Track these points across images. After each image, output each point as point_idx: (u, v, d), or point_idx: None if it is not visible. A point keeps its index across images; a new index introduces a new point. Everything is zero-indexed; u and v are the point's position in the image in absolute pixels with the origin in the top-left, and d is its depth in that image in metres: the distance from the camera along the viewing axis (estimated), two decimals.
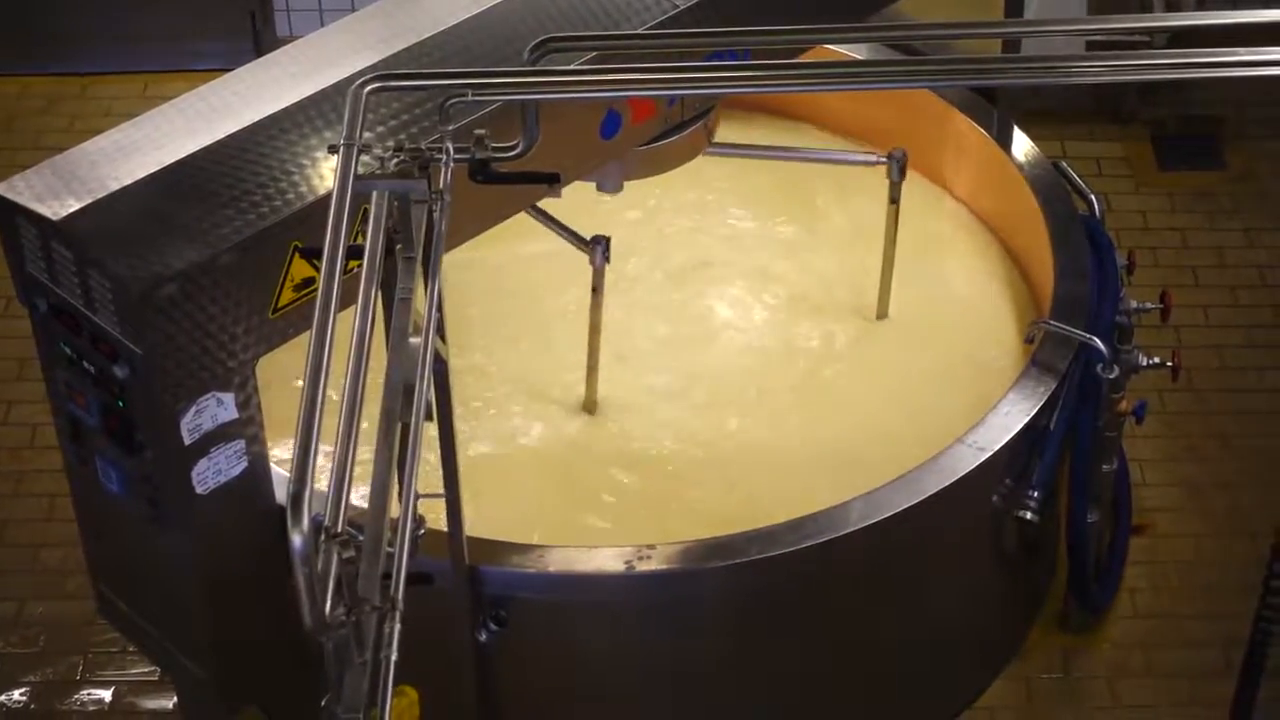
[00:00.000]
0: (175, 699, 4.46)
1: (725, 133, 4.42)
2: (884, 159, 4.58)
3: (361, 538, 2.56)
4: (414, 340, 2.85)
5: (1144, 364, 4.48)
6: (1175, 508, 5.00)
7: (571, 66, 3.55)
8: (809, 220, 5.09)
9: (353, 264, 2.78)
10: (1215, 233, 5.78)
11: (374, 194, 2.89)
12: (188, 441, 3.42)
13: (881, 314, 4.74)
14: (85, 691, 4.58)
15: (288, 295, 3.47)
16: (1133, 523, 4.82)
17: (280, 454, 3.75)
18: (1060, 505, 4.49)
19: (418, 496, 2.77)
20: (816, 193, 5.16)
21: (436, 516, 3.66)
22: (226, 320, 3.39)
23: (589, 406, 4.49)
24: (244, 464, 3.52)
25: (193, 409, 3.39)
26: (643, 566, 3.85)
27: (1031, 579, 4.67)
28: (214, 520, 3.54)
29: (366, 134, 2.99)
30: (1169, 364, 4.52)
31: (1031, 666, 4.61)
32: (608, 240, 4.22)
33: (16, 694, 4.58)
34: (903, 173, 4.55)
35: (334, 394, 2.53)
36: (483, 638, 3.90)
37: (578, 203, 4.27)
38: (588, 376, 4.44)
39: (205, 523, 3.53)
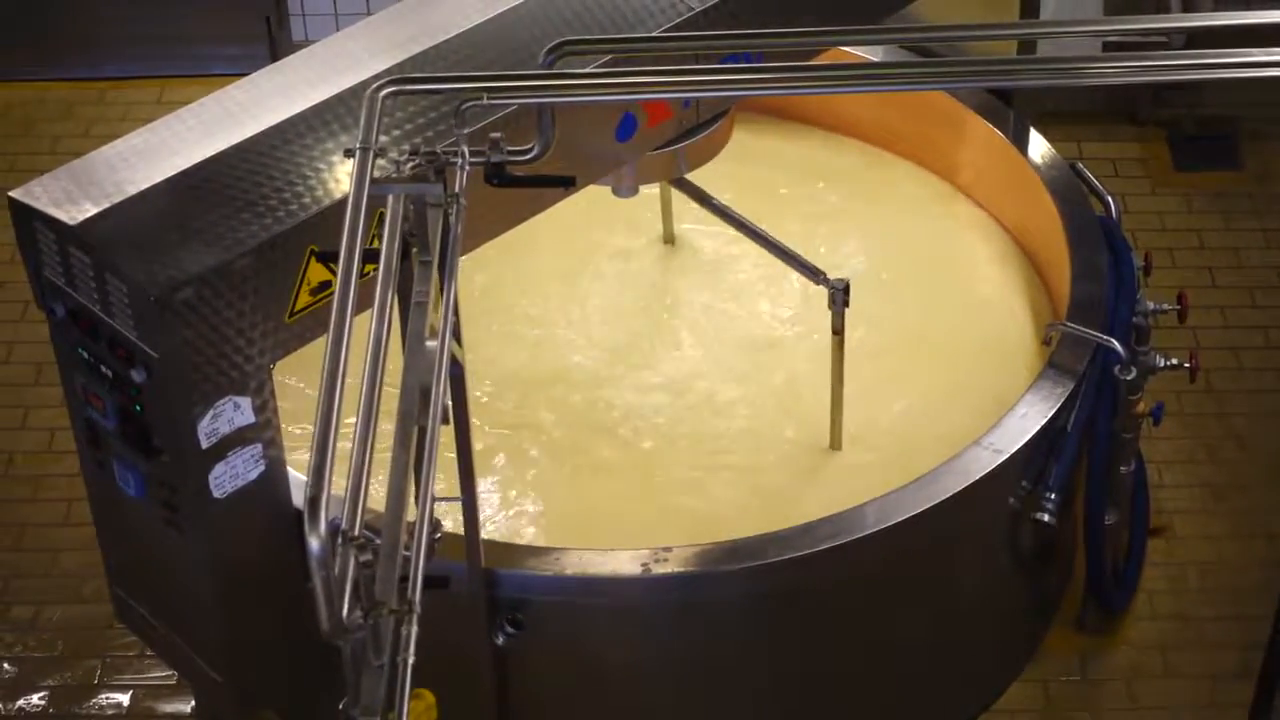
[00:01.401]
0: (192, 703, 4.47)
1: (738, 137, 4.42)
2: (827, 281, 4.25)
3: (378, 541, 2.56)
4: (430, 344, 2.85)
5: (1161, 365, 4.47)
6: (1193, 509, 4.99)
7: (587, 69, 3.55)
8: (824, 222, 5.09)
9: (369, 268, 2.78)
10: (1232, 233, 5.77)
11: (390, 197, 2.90)
12: (205, 445, 3.42)
13: (835, 446, 4.42)
14: (103, 695, 4.59)
15: (304, 299, 3.48)
16: (1150, 524, 4.81)
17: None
18: (1077, 507, 4.48)
19: (434, 499, 2.77)
20: (835, 195, 5.16)
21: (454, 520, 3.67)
22: (243, 324, 3.39)
23: (668, 238, 4.92)
24: (261, 468, 3.53)
25: (210, 413, 3.40)
26: (659, 569, 3.85)
27: (1048, 581, 4.66)
28: (231, 524, 3.54)
29: (382, 138, 2.99)
30: (1186, 365, 4.51)
31: (1049, 669, 4.60)
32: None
33: (35, 698, 4.59)
34: (845, 302, 4.24)
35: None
36: (500, 640, 3.90)
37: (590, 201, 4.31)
38: (664, 211, 4.86)
39: (222, 527, 3.54)
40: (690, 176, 4.34)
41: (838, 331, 4.28)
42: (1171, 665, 4.62)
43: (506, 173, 3.22)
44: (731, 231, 4.66)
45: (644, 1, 3.91)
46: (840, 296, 4.23)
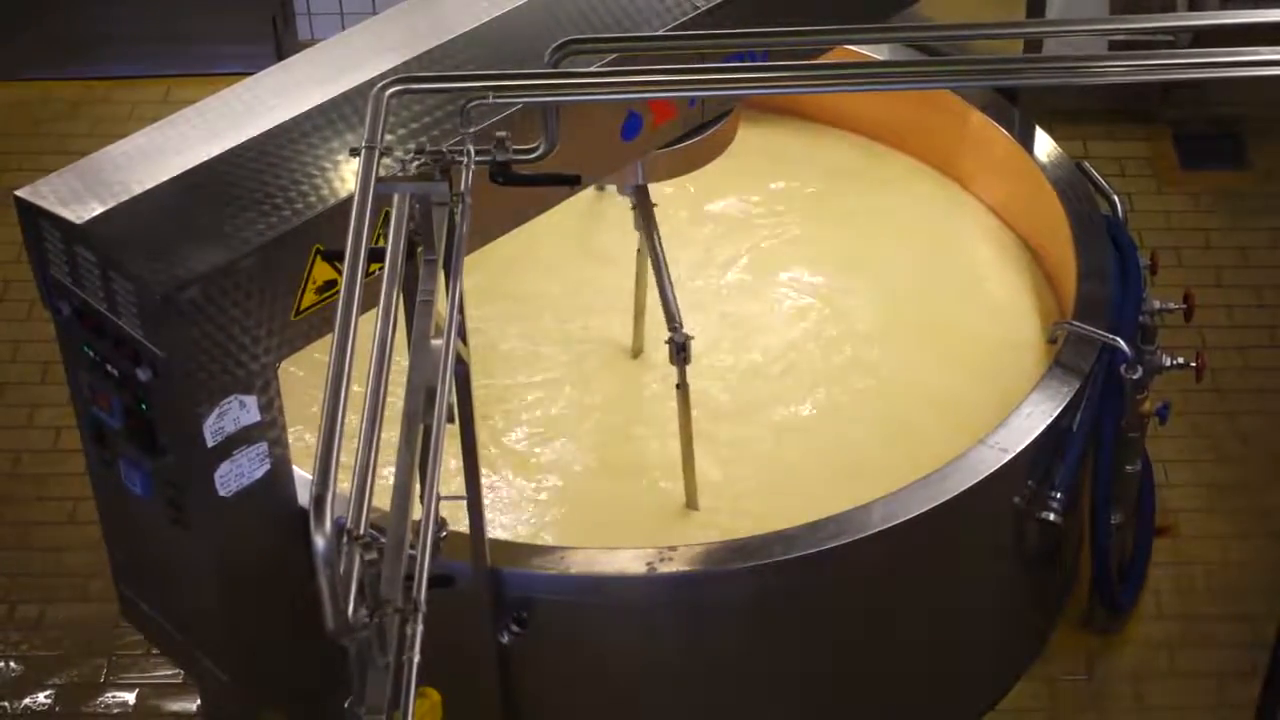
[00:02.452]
0: (198, 701, 4.47)
1: (746, 135, 4.42)
2: (675, 331, 4.13)
3: (384, 540, 2.56)
4: (435, 343, 2.85)
5: (1167, 364, 4.47)
6: (1199, 508, 4.98)
7: (592, 68, 3.55)
8: (832, 220, 5.09)
9: (374, 267, 2.78)
10: (1239, 232, 5.76)
11: (395, 196, 2.90)
12: (210, 444, 3.43)
13: (691, 505, 4.28)
14: (109, 694, 4.60)
15: (310, 298, 3.48)
16: (1156, 524, 4.80)
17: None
18: (1083, 506, 4.48)
19: (440, 498, 2.77)
20: (842, 194, 5.16)
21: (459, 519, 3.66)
22: (249, 323, 3.39)
23: (636, 352, 4.67)
24: (267, 466, 3.53)
25: (215, 411, 3.40)
26: (664, 568, 3.85)
27: (1054, 580, 4.66)
28: (236, 523, 3.55)
29: (388, 137, 2.99)
30: (1192, 364, 4.50)
31: (1055, 668, 4.60)
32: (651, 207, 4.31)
33: (41, 697, 4.60)
34: (685, 359, 4.13)
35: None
36: (504, 639, 3.90)
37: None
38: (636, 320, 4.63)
39: (228, 525, 3.54)
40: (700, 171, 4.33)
41: (680, 386, 4.17)
42: (1178, 665, 4.62)
43: (512, 171, 3.22)
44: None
45: (649, 1, 3.91)
46: (678, 351, 4.11)
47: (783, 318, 4.83)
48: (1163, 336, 4.55)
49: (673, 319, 4.14)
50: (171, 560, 3.68)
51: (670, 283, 4.17)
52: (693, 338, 4.14)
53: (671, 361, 4.14)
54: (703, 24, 3.91)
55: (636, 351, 4.69)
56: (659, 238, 4.22)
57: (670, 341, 4.13)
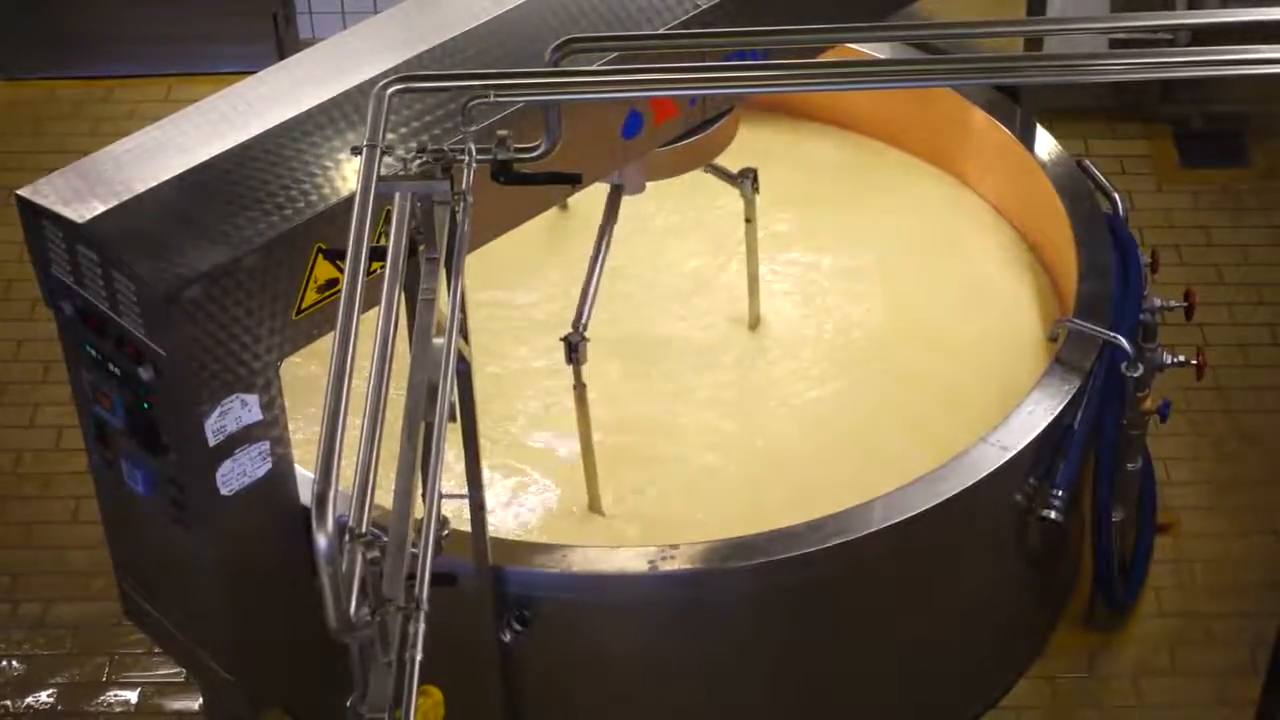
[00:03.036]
0: (201, 700, 4.48)
1: (745, 133, 4.42)
2: (575, 330, 4.08)
3: (386, 538, 2.56)
4: (437, 341, 2.86)
5: (1168, 362, 4.47)
6: (1200, 506, 4.99)
7: (593, 67, 3.55)
8: (832, 219, 5.10)
9: (376, 265, 2.79)
10: (1239, 230, 5.77)
11: (397, 195, 2.90)
12: (212, 443, 3.43)
13: (595, 509, 4.29)
14: (112, 693, 4.60)
15: (311, 297, 3.48)
16: (1157, 521, 4.81)
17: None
18: (1084, 504, 4.48)
19: (442, 497, 2.77)
20: (842, 192, 5.16)
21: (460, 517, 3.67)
22: (250, 322, 3.40)
23: (753, 323, 4.74)
24: (268, 465, 3.54)
25: (217, 410, 3.41)
26: (666, 566, 3.86)
27: (1056, 578, 4.66)
28: (238, 522, 3.55)
29: (389, 135, 3.00)
30: (1193, 362, 4.51)
31: (1056, 666, 4.61)
32: (755, 172, 4.50)
33: (44, 695, 4.60)
34: (578, 359, 4.09)
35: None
36: (506, 638, 3.91)
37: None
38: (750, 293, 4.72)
39: (230, 524, 3.55)
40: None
41: (576, 386, 4.15)
42: (1178, 662, 4.62)
43: (513, 170, 3.22)
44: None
45: None
46: (571, 351, 4.08)
47: (782, 314, 4.83)
48: (1163, 334, 4.55)
49: (580, 318, 4.10)
50: (173, 559, 3.68)
51: (597, 285, 4.13)
52: (587, 340, 4.09)
53: (567, 361, 4.11)
54: (704, 22, 3.92)
55: (754, 323, 4.73)
56: (609, 240, 4.19)
57: (565, 340, 4.09)
